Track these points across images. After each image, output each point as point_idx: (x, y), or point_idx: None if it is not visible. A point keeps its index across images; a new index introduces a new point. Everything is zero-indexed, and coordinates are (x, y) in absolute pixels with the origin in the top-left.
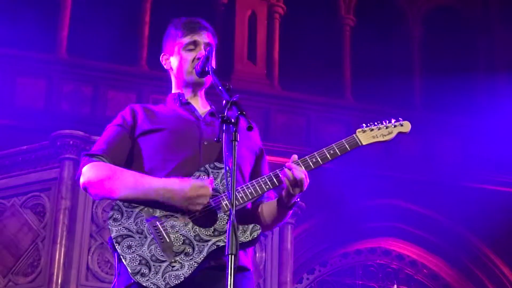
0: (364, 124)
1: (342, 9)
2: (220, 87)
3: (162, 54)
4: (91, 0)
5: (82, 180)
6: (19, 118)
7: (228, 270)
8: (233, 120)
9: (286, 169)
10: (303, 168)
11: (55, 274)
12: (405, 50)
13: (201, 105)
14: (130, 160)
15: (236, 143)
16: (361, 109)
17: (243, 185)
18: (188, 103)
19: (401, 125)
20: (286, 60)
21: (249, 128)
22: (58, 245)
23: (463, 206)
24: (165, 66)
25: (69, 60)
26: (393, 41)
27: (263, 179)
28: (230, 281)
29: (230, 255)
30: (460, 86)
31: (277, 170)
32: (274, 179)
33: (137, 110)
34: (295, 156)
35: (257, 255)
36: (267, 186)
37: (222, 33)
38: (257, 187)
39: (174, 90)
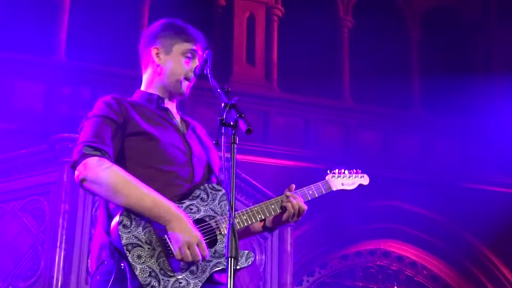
0: (336, 170)
1: (341, 11)
2: (218, 90)
3: (154, 47)
4: (89, 3)
5: (84, 173)
6: (18, 122)
7: (227, 273)
8: (231, 123)
9: (291, 198)
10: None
11: (54, 278)
12: (404, 51)
13: (175, 113)
14: (122, 158)
15: (235, 145)
16: (360, 110)
17: (239, 211)
18: (167, 109)
19: (362, 177)
20: (284, 62)
21: (248, 131)
22: (58, 249)
23: (463, 207)
24: (154, 59)
25: (68, 63)
26: (392, 42)
27: (256, 208)
28: (230, 283)
29: (229, 258)
30: (458, 87)
31: (268, 202)
32: (266, 210)
33: (125, 105)
34: (293, 186)
35: (257, 257)
36: (259, 216)
37: (220, 36)
38: (251, 216)
39: (146, 87)
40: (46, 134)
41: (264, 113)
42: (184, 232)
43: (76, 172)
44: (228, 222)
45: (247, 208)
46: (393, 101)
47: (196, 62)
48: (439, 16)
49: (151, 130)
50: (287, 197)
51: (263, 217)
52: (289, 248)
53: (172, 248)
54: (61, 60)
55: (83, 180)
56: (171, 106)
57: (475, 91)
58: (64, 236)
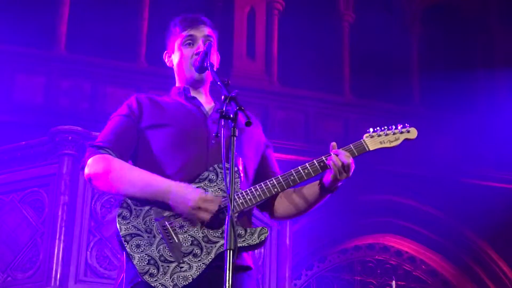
0: (371, 129)
1: (341, 5)
2: (219, 83)
3: (165, 52)
4: None
5: (87, 171)
6: (18, 114)
7: (226, 265)
8: (231, 116)
9: (333, 155)
10: (349, 154)
11: (53, 269)
12: (404, 46)
13: (205, 101)
14: (136, 151)
15: (235, 138)
16: (360, 105)
17: (251, 188)
18: (194, 98)
19: (408, 132)
20: (285, 57)
21: (248, 124)
22: (57, 241)
23: (462, 202)
24: (167, 64)
25: (68, 56)
26: (392, 37)
27: (271, 182)
28: (229, 275)
29: (228, 250)
30: (458, 82)
31: (285, 174)
32: (283, 182)
33: (143, 101)
34: (334, 144)
35: (256, 251)
36: (275, 189)
37: (220, 30)
38: (266, 190)
39: (177, 83)
40: (46, 126)
41: (264, 107)
42: (182, 201)
43: (85, 172)
44: (230, 207)
45: (253, 187)
46: (393, 96)
47: (198, 43)
48: (439, 12)
49: (164, 121)
50: (330, 155)
51: (279, 190)
52: (288, 242)
53: (182, 227)
54: (61, 53)
55: (89, 179)
56: (199, 95)
57: (475, 87)
58: (63, 228)
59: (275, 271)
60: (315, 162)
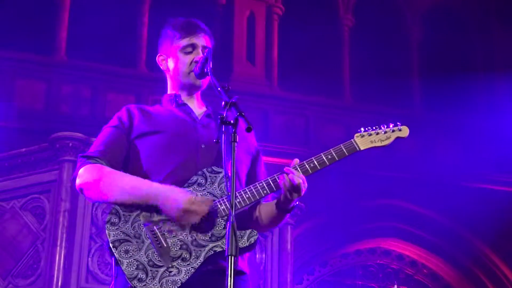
0: (362, 128)
1: (341, 10)
2: (219, 88)
3: (159, 54)
4: (89, 1)
5: (78, 181)
6: (18, 120)
7: (228, 272)
8: (232, 121)
9: (284, 174)
10: (301, 173)
11: (55, 276)
12: (404, 50)
13: (197, 106)
14: (127, 161)
15: (235, 144)
16: (360, 110)
17: (240, 190)
18: (184, 104)
19: (400, 130)
20: (285, 61)
21: (248, 130)
22: (58, 247)
23: (463, 206)
24: (161, 67)
25: (68, 62)
26: (392, 41)
27: (260, 184)
28: (230, 282)
29: (229, 256)
30: (459, 86)
31: (275, 175)
32: (272, 184)
33: (133, 111)
34: (296, 160)
35: (257, 256)
36: (265, 191)
37: (220, 34)
38: (255, 192)
39: (169, 91)
40: (46, 133)
41: (264, 112)
42: (172, 203)
43: (76, 183)
44: (229, 215)
45: (242, 190)
46: (393, 100)
47: (198, 53)
48: (439, 15)
49: (154, 129)
50: (281, 173)
51: (269, 192)
52: (289, 247)
53: (173, 225)
54: (62, 59)
55: (80, 190)
56: (191, 100)
57: (476, 90)
58: (64, 235)
59: (277, 276)
60: (269, 179)
